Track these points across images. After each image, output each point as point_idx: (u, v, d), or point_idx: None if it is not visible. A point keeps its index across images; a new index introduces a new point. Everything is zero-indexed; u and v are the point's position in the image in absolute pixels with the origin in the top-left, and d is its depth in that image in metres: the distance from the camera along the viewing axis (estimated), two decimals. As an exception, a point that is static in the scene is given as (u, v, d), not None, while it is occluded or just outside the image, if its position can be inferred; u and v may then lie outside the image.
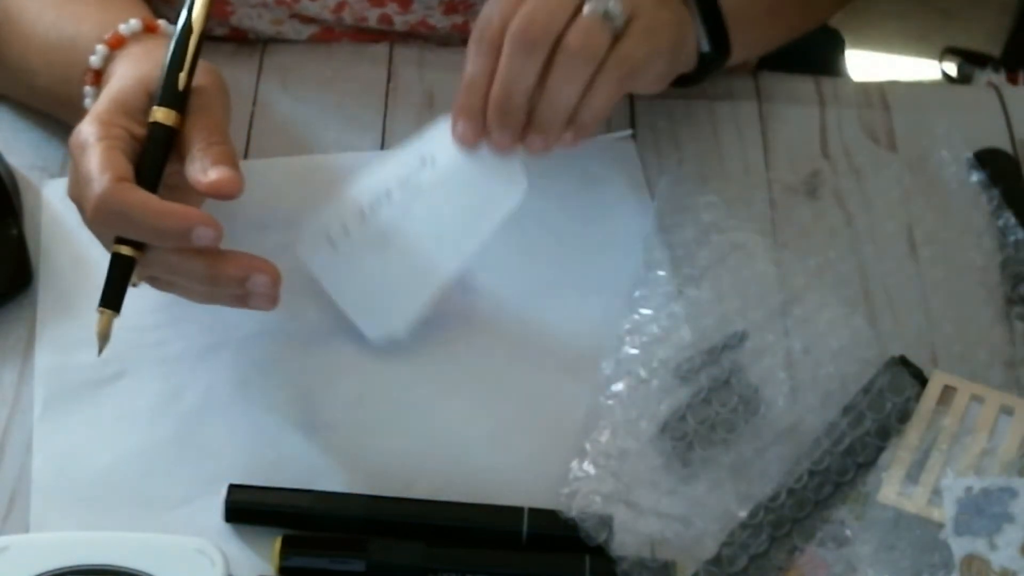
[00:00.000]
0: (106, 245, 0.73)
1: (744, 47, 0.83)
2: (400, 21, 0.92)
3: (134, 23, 0.78)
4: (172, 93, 0.72)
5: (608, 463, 0.75)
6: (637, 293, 0.81)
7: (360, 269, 0.78)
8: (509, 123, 0.75)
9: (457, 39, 0.95)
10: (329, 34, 0.94)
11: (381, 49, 0.94)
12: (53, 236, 0.84)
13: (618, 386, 0.77)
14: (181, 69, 0.72)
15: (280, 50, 0.94)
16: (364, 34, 0.94)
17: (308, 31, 0.94)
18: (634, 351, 0.79)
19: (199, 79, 0.73)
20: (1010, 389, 0.78)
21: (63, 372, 0.78)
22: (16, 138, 0.88)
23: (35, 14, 0.82)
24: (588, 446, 0.75)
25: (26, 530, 0.73)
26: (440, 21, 0.93)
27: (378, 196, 0.78)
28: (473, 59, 0.75)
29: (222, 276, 0.71)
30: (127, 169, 0.70)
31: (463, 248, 0.77)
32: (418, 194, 0.77)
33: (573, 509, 0.72)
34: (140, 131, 0.72)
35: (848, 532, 0.72)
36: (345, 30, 0.94)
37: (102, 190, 0.68)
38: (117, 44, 0.78)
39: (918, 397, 0.76)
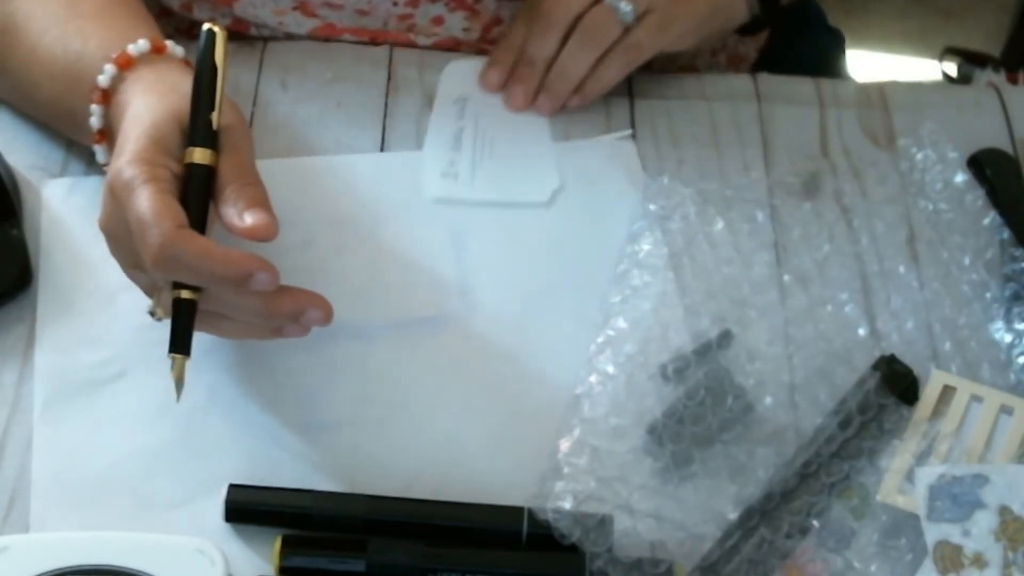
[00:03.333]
0: (138, 281, 0.74)
1: None
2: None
3: (142, 44, 0.78)
4: (207, 133, 0.73)
5: (591, 465, 0.74)
6: (628, 291, 0.81)
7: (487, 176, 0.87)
8: (525, 81, 0.90)
9: (457, 41, 0.95)
10: (330, 30, 0.94)
11: (381, 50, 0.94)
12: (53, 236, 0.84)
13: (603, 386, 0.77)
14: (211, 108, 0.73)
15: (280, 50, 0.94)
16: (363, 32, 0.94)
17: (309, 25, 0.94)
18: (628, 351, 0.79)
19: (224, 116, 0.74)
20: (1009, 389, 0.78)
21: (63, 372, 0.78)
22: (16, 138, 0.88)
23: (41, 26, 0.82)
24: (576, 434, 0.75)
25: (26, 530, 0.73)
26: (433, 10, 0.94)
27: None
28: (517, 27, 0.91)
29: (278, 312, 0.72)
30: (183, 215, 0.70)
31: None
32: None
33: (549, 512, 0.72)
34: (177, 168, 0.73)
35: (848, 531, 0.72)
36: (346, 26, 0.94)
37: (163, 238, 0.68)
38: (126, 65, 0.78)
39: (905, 397, 0.76)
